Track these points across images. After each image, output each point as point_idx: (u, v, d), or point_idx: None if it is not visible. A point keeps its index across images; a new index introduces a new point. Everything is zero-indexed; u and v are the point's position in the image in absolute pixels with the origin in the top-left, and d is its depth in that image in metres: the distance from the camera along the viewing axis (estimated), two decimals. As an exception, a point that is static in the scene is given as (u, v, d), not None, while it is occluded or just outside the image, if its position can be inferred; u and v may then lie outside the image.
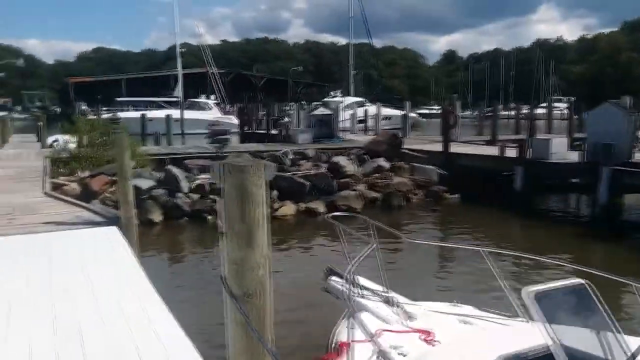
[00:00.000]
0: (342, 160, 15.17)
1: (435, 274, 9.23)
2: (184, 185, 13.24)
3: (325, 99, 42.63)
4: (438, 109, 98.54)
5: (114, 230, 7.03)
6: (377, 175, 15.94)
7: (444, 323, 3.84)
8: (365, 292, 4.22)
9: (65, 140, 15.82)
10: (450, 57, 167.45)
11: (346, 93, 55.47)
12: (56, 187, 12.03)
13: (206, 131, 45.49)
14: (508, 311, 3.95)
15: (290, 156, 15.82)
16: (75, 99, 62.56)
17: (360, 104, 38.27)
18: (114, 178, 13.26)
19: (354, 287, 4.27)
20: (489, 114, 31.75)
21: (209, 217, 12.84)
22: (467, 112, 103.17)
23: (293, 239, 11.88)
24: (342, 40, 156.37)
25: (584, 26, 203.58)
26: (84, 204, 8.15)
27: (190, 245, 11.62)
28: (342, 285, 4.50)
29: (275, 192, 13.96)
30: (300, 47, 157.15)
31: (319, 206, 13.79)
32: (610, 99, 18.18)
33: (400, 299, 4.19)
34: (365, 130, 31.46)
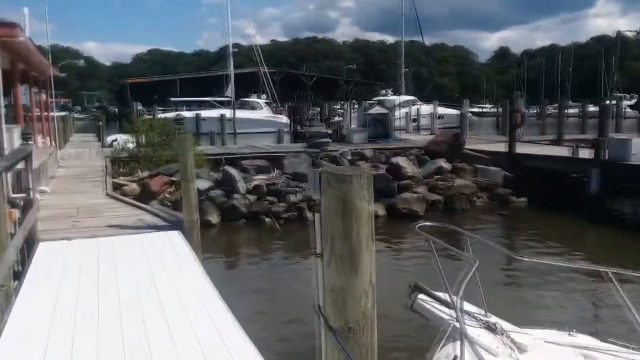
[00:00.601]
0: (401, 161, 14.59)
1: (542, 296, 8.02)
2: (241, 186, 13.01)
3: (380, 98, 41.92)
4: (490, 108, 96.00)
5: (176, 235, 6.79)
6: (437, 176, 15.27)
7: (562, 356, 3.30)
8: (464, 316, 3.71)
9: (125, 140, 15.94)
10: (502, 54, 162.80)
11: (397, 91, 54.59)
12: (116, 187, 12.05)
13: (258, 130, 45.86)
14: (638, 344, 3.36)
15: (349, 157, 15.37)
16: (131, 99, 64.33)
17: (412, 103, 37.39)
18: (172, 178, 13.21)
19: (449, 308, 3.78)
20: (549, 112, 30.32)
21: (267, 219, 12.55)
22: (524, 111, 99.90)
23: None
24: (390, 39, 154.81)
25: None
26: (145, 206, 7.98)
27: (249, 248, 11.35)
28: (433, 306, 4.01)
29: (333, 194, 13.54)
30: (349, 46, 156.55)
31: (379, 209, 13.25)
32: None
33: (505, 324, 3.67)
34: (418, 129, 30.66)
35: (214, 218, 12.34)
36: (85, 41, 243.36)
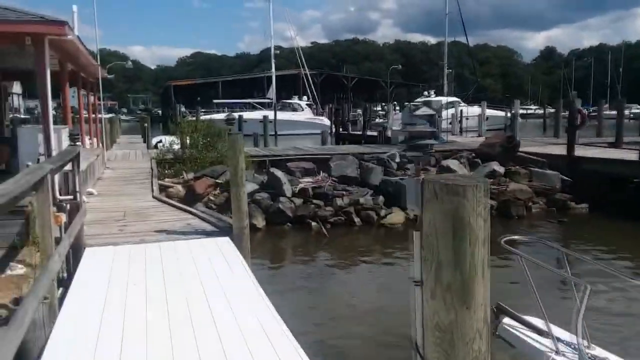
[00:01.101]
0: (452, 164, 13.96)
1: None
2: (287, 189, 12.67)
3: (424, 99, 41.05)
4: (535, 109, 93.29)
5: (226, 242, 6.46)
6: (490, 180, 14.53)
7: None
8: (562, 347, 3.21)
9: (170, 142, 15.88)
10: (548, 53, 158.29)
11: (440, 92, 53.65)
12: (162, 189, 11.91)
13: (299, 132, 45.73)
14: None
15: (397, 159, 14.83)
16: (175, 101, 65.43)
17: (456, 104, 36.43)
18: (217, 181, 13.00)
19: (543, 336, 3.28)
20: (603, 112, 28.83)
21: (313, 224, 12.17)
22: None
23: (402, 250, 10.90)
24: (432, 40, 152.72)
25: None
26: (193, 210, 7.71)
27: (296, 253, 10.98)
28: (522, 333, 3.51)
29: (381, 198, 13.05)
30: (390, 47, 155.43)
31: (430, 214, 12.69)
32: None
33: (613, 358, 3.15)
34: (461, 131, 29.71)
35: (259, 222, 12.04)
36: (132, 45, 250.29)
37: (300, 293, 8.28)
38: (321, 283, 8.95)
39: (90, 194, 9.20)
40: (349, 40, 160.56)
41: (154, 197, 8.98)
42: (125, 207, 8.17)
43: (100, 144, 16.49)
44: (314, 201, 12.74)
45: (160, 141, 22.99)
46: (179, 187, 12.91)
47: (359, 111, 60.80)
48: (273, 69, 58.64)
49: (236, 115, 40.81)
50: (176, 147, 15.72)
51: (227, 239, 6.55)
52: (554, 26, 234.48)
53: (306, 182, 13.21)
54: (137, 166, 13.93)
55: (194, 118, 36.58)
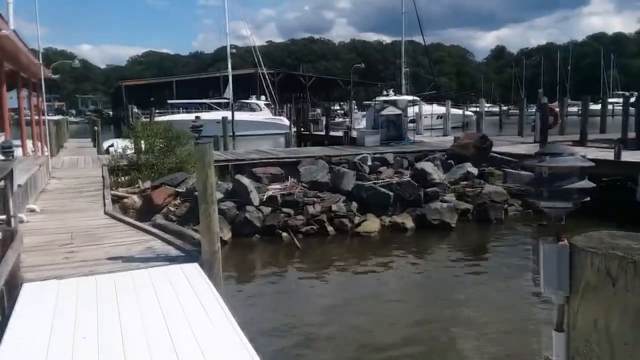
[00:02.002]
0: (427, 166, 13.33)
1: None
2: (254, 197, 11.73)
3: (391, 98, 40.68)
4: (489, 107, 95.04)
5: (195, 269, 5.51)
6: (464, 183, 14.03)
7: None
8: None
9: (125, 147, 14.63)
10: (499, 52, 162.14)
11: (398, 91, 53.61)
12: (115, 200, 10.77)
13: (257, 133, 44.57)
14: None
15: (369, 162, 14.10)
16: (127, 101, 63.00)
17: (415, 103, 36.22)
18: (178, 189, 11.93)
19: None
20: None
21: (284, 234, 11.27)
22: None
23: (379, 261, 10.17)
24: (387, 39, 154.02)
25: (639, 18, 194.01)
26: (154, 230, 6.68)
27: (266, 267, 10.05)
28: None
29: (354, 204, 12.28)
30: (346, 47, 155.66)
31: (406, 220, 12.03)
32: None
33: None
34: (419, 131, 29.30)
35: (225, 234, 11.02)
36: (79, 44, 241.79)
37: (275, 315, 7.40)
38: (296, 302, 8.09)
39: (32, 211, 8.02)
40: (305, 39, 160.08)
41: (106, 213, 7.87)
42: (73, 227, 7.07)
43: (46, 150, 15.08)
44: (284, 210, 11.85)
45: (112, 145, 21.53)
46: (135, 197, 11.78)
47: (318, 111, 60.16)
48: (229, 68, 57.21)
49: (183, 117, 39.22)
50: (130, 152, 14.48)
51: (195, 265, 5.60)
52: (503, 26, 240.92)
53: (274, 188, 12.30)
54: (87, 175, 12.66)
55: (148, 119, 35.01)
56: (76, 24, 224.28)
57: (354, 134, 21.75)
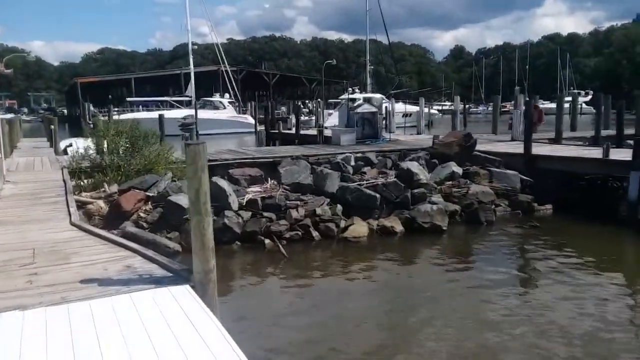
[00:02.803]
0: (413, 166, 12.73)
1: None
2: (233, 200, 10.85)
3: (352, 96, 40.26)
4: (450, 105, 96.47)
5: (186, 293, 4.66)
6: (450, 183, 13.52)
7: None
8: None
9: (86, 147, 13.45)
10: (458, 52, 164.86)
11: (362, 90, 53.53)
12: (79, 206, 9.69)
13: (222, 131, 43.33)
14: None
15: (352, 162, 13.39)
16: (83, 99, 60.52)
17: (392, 101, 35.91)
18: (148, 194, 10.93)
19: None
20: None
21: (267, 241, 10.44)
22: (481, 108, 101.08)
23: (370, 267, 9.49)
24: (348, 37, 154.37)
25: (592, 19, 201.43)
26: (132, 245, 5.74)
27: (249, 277, 9.20)
28: None
29: (339, 207, 11.57)
30: (308, 45, 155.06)
31: (395, 224, 11.39)
32: (627, 92, 15.74)
33: None
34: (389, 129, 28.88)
35: (202, 242, 10.13)
36: (31, 40, 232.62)
37: (266, 330, 6.61)
38: (285, 315, 7.29)
39: (-16, 222, 6.95)
40: (267, 37, 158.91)
41: (72, 224, 6.86)
42: (35, 241, 6.06)
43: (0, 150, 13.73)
44: (265, 214, 11.02)
45: (70, 145, 20.15)
46: (100, 202, 10.72)
47: (283, 109, 59.29)
48: (191, 65, 55.46)
49: (143, 115, 37.62)
50: (92, 152, 13.32)
51: (186, 287, 4.75)
52: (460, 26, 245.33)
53: (254, 191, 11.45)
54: (45, 178, 11.47)
55: (106, 118, 33.36)
56: (27, 20, 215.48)
57: (328, 132, 21.01)
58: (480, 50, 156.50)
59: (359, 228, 11.04)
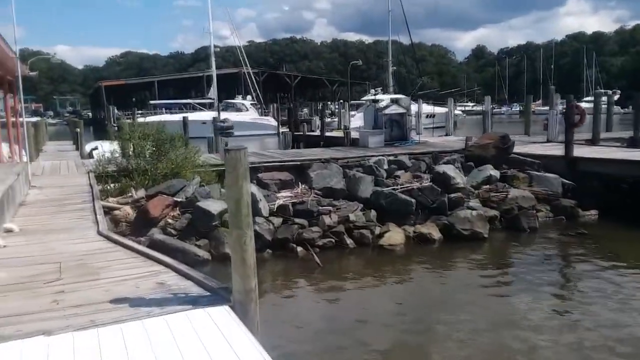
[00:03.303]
0: (449, 169, 12.14)
1: None
2: (264, 206, 10.41)
3: (370, 97, 39.65)
4: (473, 106, 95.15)
5: (225, 315, 4.20)
6: (487, 187, 12.89)
7: None
8: None
9: (112, 150, 13.16)
10: (479, 52, 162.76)
11: (385, 91, 52.81)
12: (106, 212, 9.34)
13: (244, 134, 43.16)
14: None
15: (385, 166, 12.86)
16: (107, 102, 61.03)
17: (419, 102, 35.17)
18: (176, 199, 10.55)
19: None
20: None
21: (299, 249, 9.98)
22: (504, 108, 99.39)
23: (409, 278, 8.95)
24: (367, 39, 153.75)
25: (616, 18, 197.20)
26: (165, 259, 5.32)
27: (283, 288, 8.73)
28: None
29: (373, 213, 11.05)
30: (328, 46, 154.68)
31: (432, 230, 10.83)
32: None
33: None
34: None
35: (232, 249, 9.72)
36: (56, 45, 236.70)
37: (305, 346, 6.14)
38: (325, 330, 6.81)
39: (9, 231, 6.61)
40: (287, 39, 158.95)
41: (100, 233, 6.49)
42: (61, 253, 5.68)
43: (24, 155, 13.55)
44: (296, 220, 10.56)
45: (96, 148, 20.00)
46: (127, 208, 10.38)
47: (305, 110, 58.94)
48: (213, 67, 55.60)
49: (167, 118, 37.52)
50: (119, 156, 13.02)
51: (225, 308, 4.29)
52: (481, 26, 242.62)
53: (285, 197, 10.99)
54: (72, 182, 11.20)
55: (130, 121, 33.36)
56: (52, 25, 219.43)
57: (355, 134, 20.49)
58: (502, 50, 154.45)
59: (395, 235, 10.51)
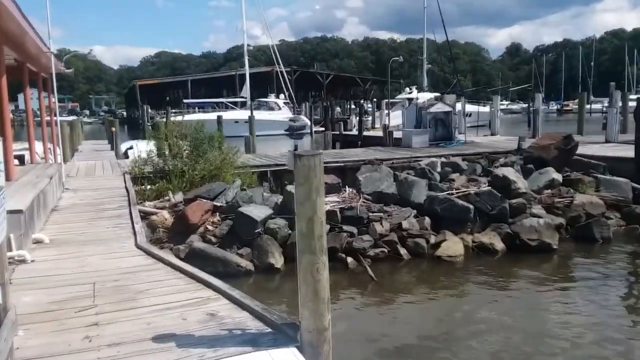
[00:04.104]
0: (509, 173, 11.10)
1: None
2: (310, 212, 9.60)
3: (405, 95, 38.64)
4: (508, 104, 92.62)
5: (291, 358, 3.40)
6: (549, 192, 11.80)
7: None
8: None
9: (148, 150, 12.56)
10: (514, 50, 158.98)
11: (420, 89, 51.75)
12: (142, 216, 8.69)
13: (277, 133, 42.56)
14: None
15: (438, 168, 11.91)
16: (141, 101, 61.41)
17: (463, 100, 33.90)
18: (216, 203, 9.83)
19: None
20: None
21: (349, 260, 9.13)
22: (542, 107, 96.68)
23: (474, 293, 7.99)
24: (399, 37, 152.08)
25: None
26: (214, 281, 4.52)
27: (336, 307, 7.87)
28: None
29: (427, 220, 10.12)
30: (359, 45, 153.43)
31: (494, 240, 9.83)
32: None
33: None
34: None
35: (277, 259, 8.94)
36: (92, 45, 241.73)
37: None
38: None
39: (39, 242, 5.97)
40: (318, 38, 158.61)
41: (139, 247, 5.78)
42: (95, 271, 4.97)
43: (58, 155, 13.07)
44: (345, 227, 9.71)
45: (131, 148, 19.58)
46: (165, 213, 9.70)
47: (338, 109, 58.10)
48: (247, 66, 55.32)
49: (202, 116, 37.21)
50: (154, 156, 12.40)
51: (292, 351, 3.48)
52: (515, 23, 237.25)
53: (332, 201, 10.16)
54: (107, 185, 10.61)
55: (164, 120, 33.09)
56: (89, 26, 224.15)
57: (397, 133, 19.55)
58: (538, 48, 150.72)
59: (454, 245, 9.56)
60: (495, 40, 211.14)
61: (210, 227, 9.48)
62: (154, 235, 9.35)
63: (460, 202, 10.31)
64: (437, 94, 40.88)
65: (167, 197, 10.42)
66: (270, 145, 26.54)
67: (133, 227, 6.51)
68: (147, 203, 10.18)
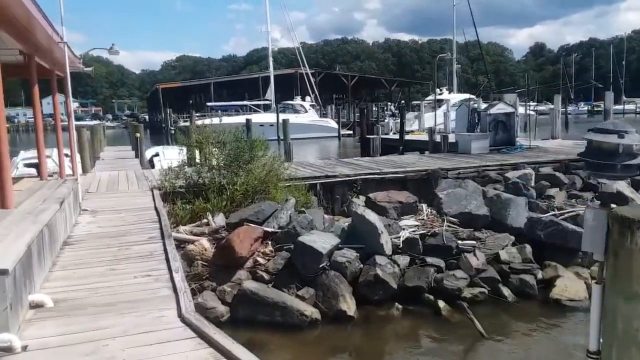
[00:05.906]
0: (623, 187, 8.97)
1: None
2: (386, 241, 7.59)
3: (433, 97, 36.49)
4: (535, 105, 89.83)
5: None
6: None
7: None
8: None
9: (181, 162, 10.69)
10: (538, 50, 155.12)
11: (450, 89, 49.75)
12: (176, 245, 6.78)
13: (304, 136, 40.71)
14: None
15: (532, 182, 9.81)
16: (164, 105, 60.26)
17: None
18: (266, 229, 7.88)
19: None
20: None
21: (441, 304, 7.10)
22: (571, 108, 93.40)
23: None
24: (420, 38, 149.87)
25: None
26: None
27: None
28: None
29: (528, 248, 8.04)
30: (380, 47, 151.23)
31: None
32: None
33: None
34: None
35: (349, 304, 6.94)
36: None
37: None
38: None
39: (38, 306, 4.06)
40: (339, 40, 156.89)
41: (185, 321, 3.81)
42: (119, 347, 3.04)
43: (76, 165, 11.26)
44: (428, 260, 7.68)
45: (157, 154, 17.79)
46: (204, 241, 7.77)
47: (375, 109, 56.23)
48: (271, 68, 53.79)
49: (227, 120, 35.57)
50: (188, 168, 10.48)
51: None
52: (537, 23, 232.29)
53: (410, 225, 8.13)
54: (132, 204, 8.72)
55: (187, 123, 31.44)
56: (111, 31, 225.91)
57: (451, 138, 17.45)
58: (562, 47, 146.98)
59: (572, 284, 7.46)
60: (515, 41, 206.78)
61: (261, 260, 7.53)
62: (192, 269, 7.46)
63: (571, 226, 8.21)
64: (469, 95, 38.69)
65: (205, 220, 8.49)
66: (298, 150, 24.53)
67: (172, 280, 4.55)
68: (181, 228, 8.27)
